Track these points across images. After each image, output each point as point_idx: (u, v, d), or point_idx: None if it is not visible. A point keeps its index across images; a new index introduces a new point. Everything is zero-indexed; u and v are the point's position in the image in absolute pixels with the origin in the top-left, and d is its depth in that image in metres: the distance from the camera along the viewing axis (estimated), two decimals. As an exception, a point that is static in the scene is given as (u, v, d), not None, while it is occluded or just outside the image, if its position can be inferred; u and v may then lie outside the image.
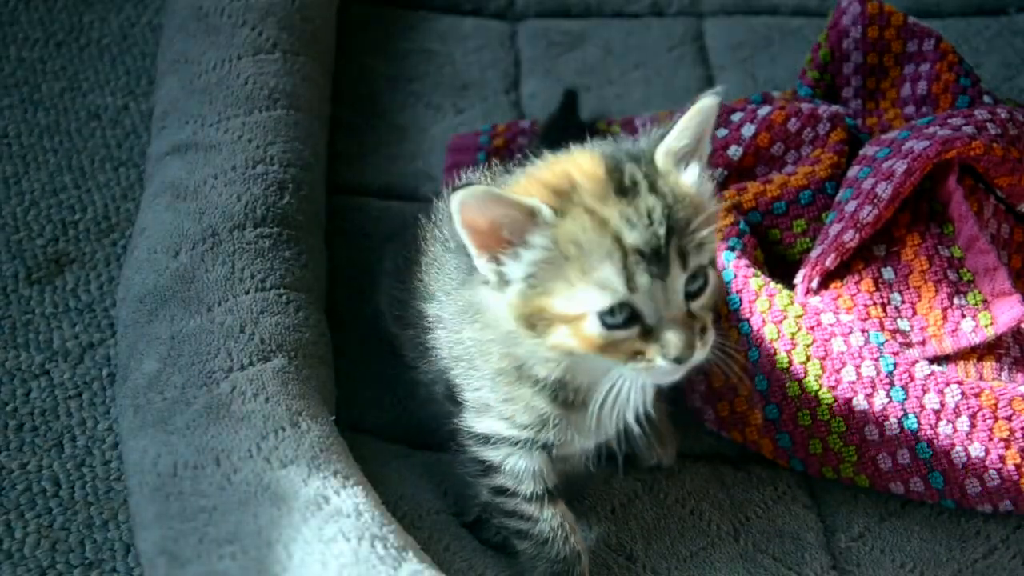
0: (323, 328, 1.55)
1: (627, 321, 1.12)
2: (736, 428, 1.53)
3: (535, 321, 1.14)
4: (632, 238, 1.09)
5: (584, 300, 1.11)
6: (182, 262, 1.50)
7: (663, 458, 1.52)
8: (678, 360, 1.13)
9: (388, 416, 1.58)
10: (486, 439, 1.33)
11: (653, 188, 1.12)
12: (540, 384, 1.24)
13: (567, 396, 1.25)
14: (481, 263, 1.15)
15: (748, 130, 1.68)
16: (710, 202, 1.17)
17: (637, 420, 1.28)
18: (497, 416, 1.30)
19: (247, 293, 1.48)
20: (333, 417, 1.42)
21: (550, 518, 1.35)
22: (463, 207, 1.10)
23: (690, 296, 1.14)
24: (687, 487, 1.52)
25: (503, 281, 1.15)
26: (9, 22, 2.08)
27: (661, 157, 1.15)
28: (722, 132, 1.68)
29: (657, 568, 1.42)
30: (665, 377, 1.17)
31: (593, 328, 1.12)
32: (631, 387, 1.19)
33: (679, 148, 1.16)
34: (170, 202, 1.57)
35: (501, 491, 1.35)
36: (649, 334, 1.13)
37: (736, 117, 1.70)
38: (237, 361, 1.40)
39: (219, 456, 1.30)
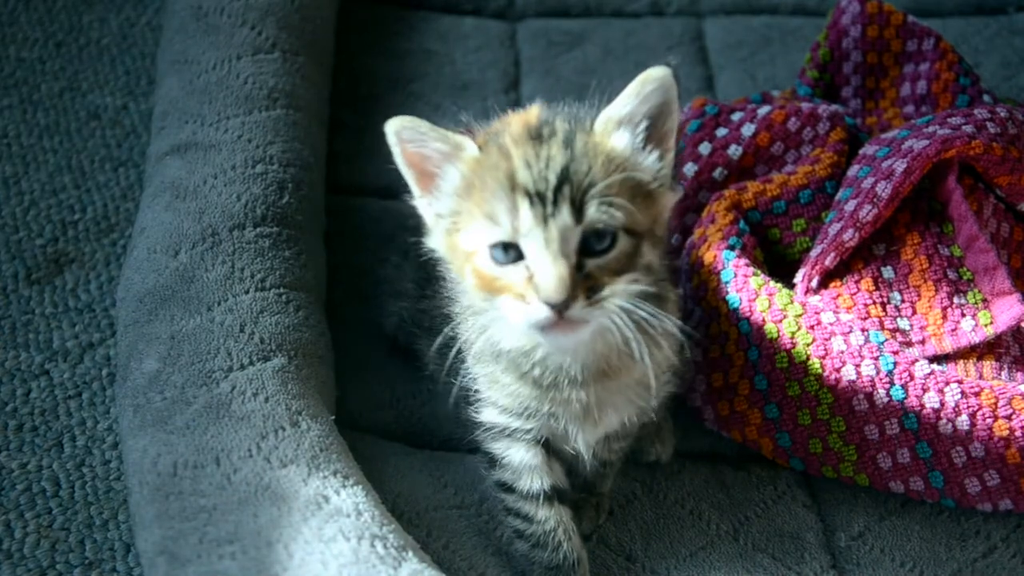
0: (323, 327, 1.55)
1: (513, 259, 1.15)
2: (736, 427, 1.53)
3: (453, 259, 1.21)
4: (523, 177, 1.14)
5: (479, 233, 1.16)
6: (182, 262, 1.49)
7: (661, 455, 1.52)
8: (549, 303, 1.12)
9: (388, 415, 1.58)
10: (487, 429, 1.34)
11: (567, 142, 1.16)
12: (508, 359, 1.26)
13: (534, 373, 1.26)
14: (420, 203, 1.23)
15: (748, 129, 1.68)
16: (642, 171, 1.18)
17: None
18: (488, 403, 1.32)
19: (247, 293, 1.48)
20: (333, 416, 1.42)
21: (544, 520, 1.35)
22: (399, 137, 1.19)
23: (589, 253, 1.14)
24: (687, 487, 1.52)
25: (437, 218, 1.22)
26: (8, 22, 2.08)
27: (600, 121, 1.19)
28: (722, 131, 1.69)
29: (656, 568, 1.42)
30: (551, 330, 1.15)
31: (483, 261, 1.17)
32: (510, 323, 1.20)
33: (620, 115, 1.18)
34: (170, 202, 1.57)
35: (502, 486, 1.37)
36: (531, 278, 1.14)
37: (736, 116, 1.70)
38: (237, 361, 1.40)
39: (219, 456, 1.30)
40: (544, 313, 1.13)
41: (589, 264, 1.14)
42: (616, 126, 1.18)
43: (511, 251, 1.14)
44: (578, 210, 1.12)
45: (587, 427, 1.31)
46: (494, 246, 1.15)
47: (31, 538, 1.43)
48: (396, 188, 1.87)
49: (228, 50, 1.77)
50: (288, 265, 1.54)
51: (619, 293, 1.14)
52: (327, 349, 1.54)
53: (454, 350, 1.28)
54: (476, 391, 1.32)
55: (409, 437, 1.57)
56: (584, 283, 1.13)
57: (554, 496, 1.36)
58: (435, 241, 1.23)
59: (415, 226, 1.53)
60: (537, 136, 1.16)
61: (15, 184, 1.84)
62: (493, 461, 1.36)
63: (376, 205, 1.84)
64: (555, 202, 1.12)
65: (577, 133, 1.16)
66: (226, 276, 1.49)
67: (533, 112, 1.21)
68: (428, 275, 1.43)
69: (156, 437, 1.34)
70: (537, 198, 1.12)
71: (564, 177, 1.13)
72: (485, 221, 1.14)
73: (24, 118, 1.94)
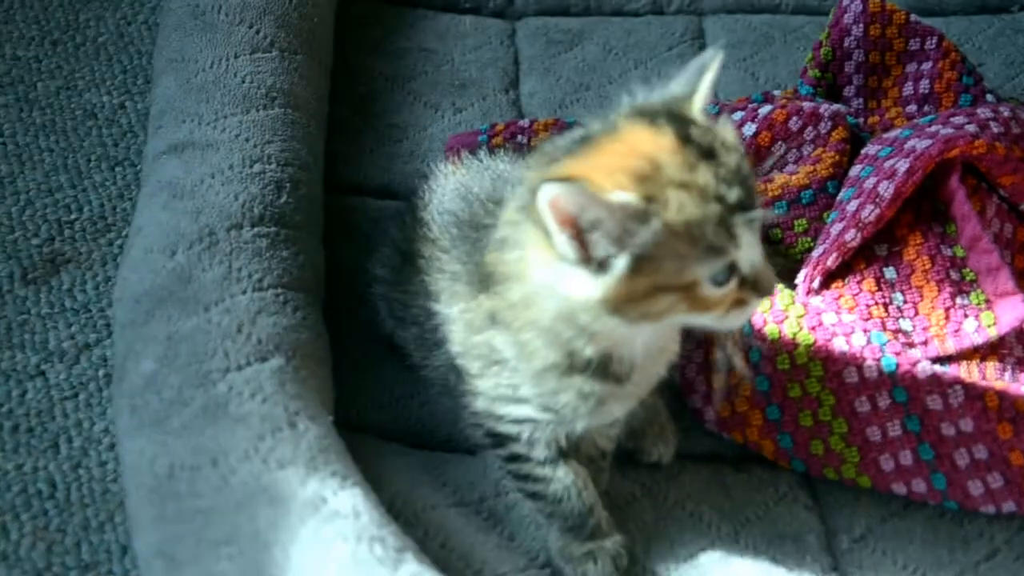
0: (321, 328, 1.54)
1: (730, 275, 1.14)
2: (737, 429, 1.52)
3: (634, 300, 1.13)
4: (734, 195, 1.10)
5: (696, 269, 1.12)
6: (179, 262, 1.49)
7: (663, 455, 1.51)
8: (771, 292, 1.17)
9: (386, 415, 1.58)
10: (511, 420, 1.33)
11: (725, 145, 1.13)
12: (592, 366, 1.24)
13: (615, 368, 1.25)
14: (561, 240, 1.11)
15: (749, 129, 1.68)
16: None
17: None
18: (536, 407, 1.30)
19: (244, 293, 1.47)
20: (331, 417, 1.41)
21: (563, 476, 1.36)
22: (554, 205, 1.08)
23: None
24: (687, 488, 1.51)
25: (599, 266, 1.12)
26: (4, 20, 2.08)
27: (699, 115, 1.16)
28: (723, 131, 1.68)
29: (656, 570, 1.41)
30: (750, 317, 1.23)
31: (708, 291, 1.13)
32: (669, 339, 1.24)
33: (705, 106, 1.17)
34: (167, 201, 1.56)
35: (515, 458, 1.37)
36: (744, 280, 1.15)
37: (737, 116, 1.70)
38: (234, 361, 1.39)
39: (216, 457, 1.30)
40: (758, 305, 1.19)
41: None
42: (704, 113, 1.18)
43: (727, 267, 1.13)
44: (757, 201, 1.14)
45: (625, 402, 1.32)
46: (718, 273, 1.12)
47: (27, 540, 1.43)
48: (395, 187, 1.89)
49: (225, 48, 1.77)
50: (286, 265, 1.54)
51: None
52: (325, 349, 1.53)
53: (457, 354, 1.28)
54: (520, 397, 1.29)
55: (407, 437, 1.56)
56: None
57: (568, 451, 1.38)
58: (587, 283, 1.13)
59: (401, 214, 1.53)
60: (705, 153, 1.11)
61: (11, 183, 1.83)
62: (504, 439, 1.36)
63: (374, 204, 1.83)
64: (753, 205, 1.12)
65: (717, 135, 1.14)
66: (223, 276, 1.48)
67: (658, 135, 1.13)
68: (403, 263, 1.42)
69: (153, 438, 1.33)
70: (742, 209, 1.11)
71: (750, 178, 1.12)
72: (705, 255, 1.11)
73: (20, 117, 1.93)
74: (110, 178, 1.86)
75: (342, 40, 2.05)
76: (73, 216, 1.80)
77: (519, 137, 1.85)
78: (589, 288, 1.13)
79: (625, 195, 1.08)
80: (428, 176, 1.48)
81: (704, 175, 1.10)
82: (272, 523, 1.23)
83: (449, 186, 1.41)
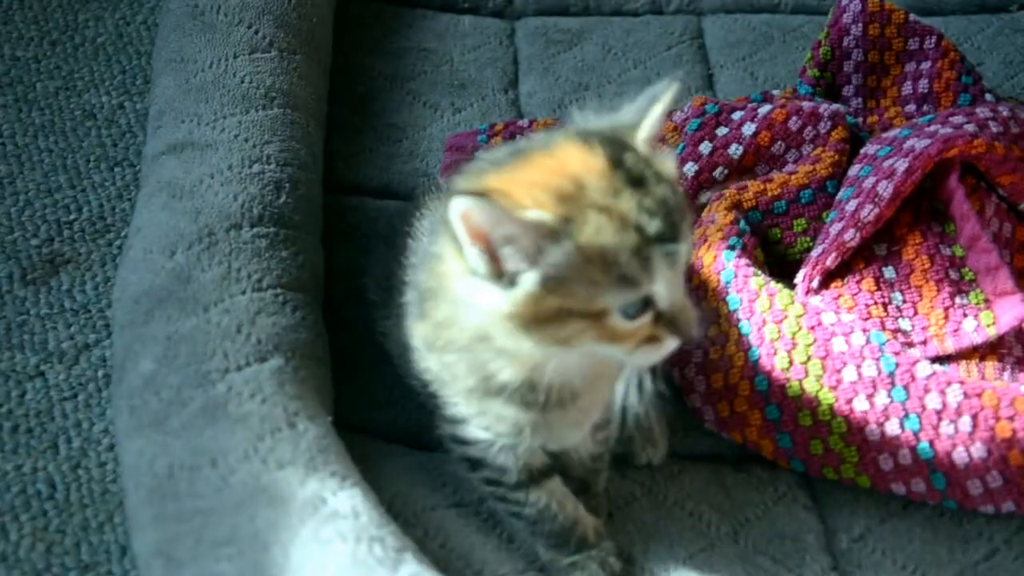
0: (320, 328, 1.54)
1: (643, 308, 1.11)
2: (736, 428, 1.53)
3: (541, 320, 1.11)
4: (655, 227, 1.07)
5: (607, 297, 1.09)
6: (178, 262, 1.49)
7: (653, 457, 1.51)
8: (688, 337, 1.12)
9: (386, 416, 1.58)
10: (468, 443, 1.33)
11: (657, 175, 1.10)
12: (508, 391, 1.22)
13: (538, 398, 1.23)
14: (472, 253, 1.10)
15: (748, 129, 1.68)
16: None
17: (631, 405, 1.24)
18: (475, 426, 1.30)
19: (244, 293, 1.47)
20: (330, 418, 1.41)
21: (536, 501, 1.36)
22: (465, 218, 1.07)
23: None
24: (686, 488, 1.51)
25: (508, 281, 1.10)
26: (3, 20, 2.08)
27: (642, 144, 1.14)
28: (723, 131, 1.68)
29: (655, 570, 1.41)
30: (666, 354, 1.16)
31: (617, 322, 1.10)
32: (630, 374, 1.17)
33: (652, 136, 1.15)
34: (166, 202, 1.56)
35: (490, 482, 1.37)
36: (660, 317, 1.12)
37: (736, 116, 1.70)
38: (234, 362, 1.40)
39: (215, 457, 1.30)
40: (674, 347, 1.13)
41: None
42: (651, 144, 1.14)
43: (641, 300, 1.10)
44: (685, 238, 1.11)
45: (574, 429, 1.32)
46: (630, 304, 1.10)
47: (26, 541, 1.43)
48: (394, 187, 1.89)
49: (225, 49, 1.77)
50: (285, 265, 1.54)
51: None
52: (324, 350, 1.53)
53: (426, 383, 1.29)
54: (463, 417, 1.30)
55: (407, 438, 1.56)
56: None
57: (544, 474, 1.37)
58: (496, 297, 1.11)
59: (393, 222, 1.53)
60: (634, 181, 1.09)
61: (10, 184, 1.83)
62: (476, 463, 1.36)
63: (374, 204, 1.83)
64: (676, 240, 1.09)
65: (652, 165, 1.11)
66: (223, 276, 1.48)
67: (589, 155, 1.11)
68: (387, 276, 1.41)
69: (152, 439, 1.33)
70: (667, 243, 1.08)
71: (677, 213, 1.09)
72: (617, 285, 1.08)
73: (19, 117, 1.93)
74: (109, 178, 1.86)
75: (341, 40, 2.05)
76: (72, 216, 1.80)
77: (518, 137, 1.85)
78: (498, 301, 1.10)
79: (539, 213, 1.06)
80: (424, 194, 1.46)
81: (627, 202, 1.07)
82: (271, 523, 1.23)
83: (430, 218, 1.38)
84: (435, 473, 1.50)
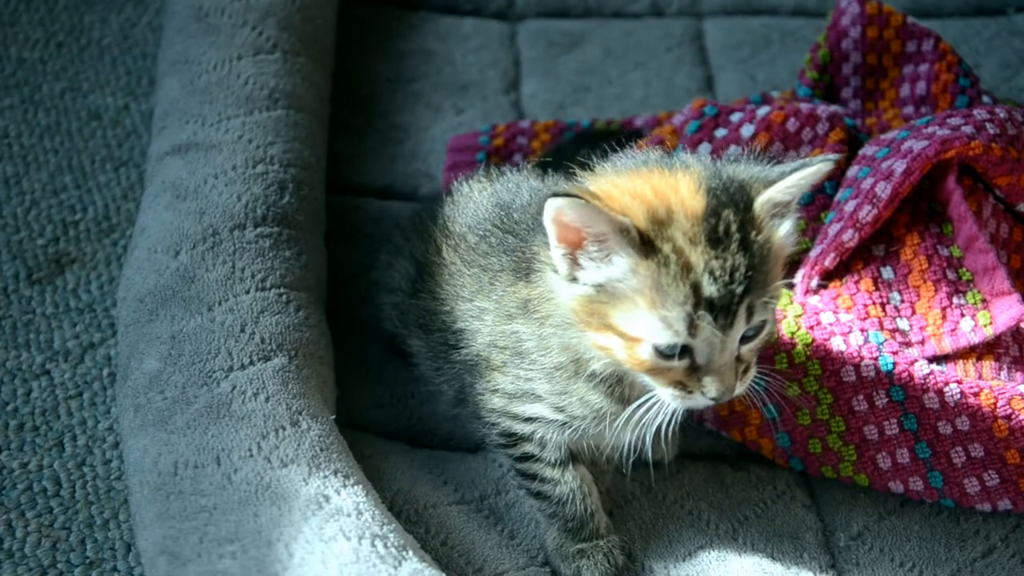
0: (323, 327, 1.55)
1: (679, 355, 1.15)
2: (735, 427, 1.53)
3: (591, 319, 1.17)
4: (710, 291, 1.12)
5: (646, 328, 1.14)
6: (182, 262, 1.50)
7: (666, 454, 1.52)
8: (716, 400, 1.17)
9: (387, 414, 1.58)
10: (525, 419, 1.34)
11: (744, 243, 1.13)
12: (597, 379, 1.26)
13: (623, 392, 1.28)
14: (557, 254, 1.17)
15: (747, 130, 1.68)
16: (786, 253, 1.20)
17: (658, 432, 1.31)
18: (548, 405, 1.31)
19: (247, 293, 1.48)
20: (333, 416, 1.42)
21: (571, 480, 1.39)
22: (558, 213, 1.12)
23: (744, 340, 1.17)
24: (686, 487, 1.52)
25: (572, 277, 1.17)
26: (10, 23, 2.08)
27: (761, 206, 1.16)
28: (721, 132, 1.69)
29: (655, 568, 1.42)
30: (698, 407, 1.22)
31: (645, 353, 1.15)
32: (665, 406, 1.22)
33: (780, 201, 1.17)
34: (170, 202, 1.57)
35: (526, 457, 1.38)
36: (696, 370, 1.17)
37: (735, 117, 1.70)
38: (237, 360, 1.40)
39: (219, 455, 1.30)
40: (705, 404, 1.18)
41: (743, 350, 1.18)
42: (772, 209, 1.17)
43: (678, 348, 1.14)
44: (750, 312, 1.14)
45: (634, 428, 1.34)
46: (666, 346, 1.14)
47: (32, 537, 1.44)
48: (396, 188, 1.90)
49: (229, 50, 1.78)
50: (288, 265, 1.55)
51: (754, 366, 1.20)
52: (327, 349, 1.54)
53: (483, 348, 1.31)
54: (535, 394, 1.31)
55: (409, 436, 1.57)
56: (738, 366, 1.18)
57: (577, 456, 1.40)
58: (565, 290, 1.19)
59: (406, 226, 1.55)
60: (715, 239, 1.12)
61: (16, 184, 1.84)
62: (517, 438, 1.37)
63: (376, 205, 1.84)
64: (735, 312, 1.12)
65: (750, 229, 1.14)
66: (227, 276, 1.49)
67: (694, 191, 1.14)
68: (420, 273, 1.44)
69: (157, 437, 1.34)
70: (721, 311, 1.12)
71: (748, 288, 1.12)
72: (659, 323, 1.13)
73: (25, 118, 1.94)
74: (114, 179, 1.86)
75: (344, 42, 2.06)
76: (77, 216, 1.81)
77: (519, 138, 1.86)
78: (564, 292, 1.18)
79: (627, 219, 1.11)
80: (449, 190, 1.49)
81: (698, 255, 1.12)
82: (275, 521, 1.24)
83: (483, 198, 1.43)
84: (437, 471, 1.50)
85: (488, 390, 1.35)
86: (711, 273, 1.12)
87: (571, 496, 1.39)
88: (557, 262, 1.18)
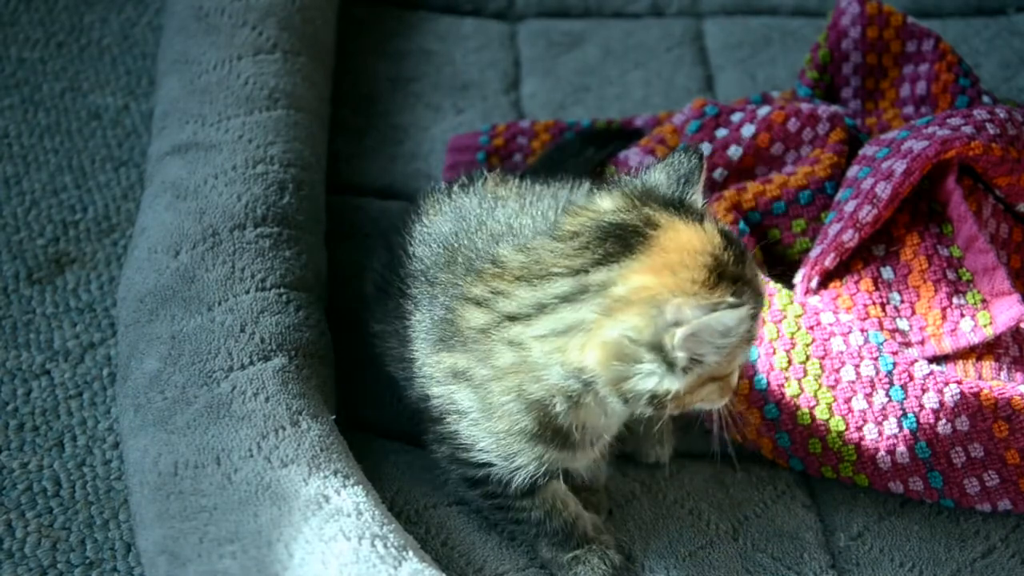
0: (323, 327, 1.55)
1: None
2: (735, 427, 1.53)
3: (693, 390, 1.20)
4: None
5: (742, 356, 1.23)
6: (182, 262, 1.50)
7: (661, 456, 1.52)
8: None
9: (387, 414, 1.58)
10: (478, 464, 1.33)
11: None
12: (559, 435, 1.27)
13: (574, 439, 1.29)
14: (682, 361, 1.16)
15: (748, 130, 1.68)
16: None
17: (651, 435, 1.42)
18: (495, 456, 1.31)
19: (247, 293, 1.48)
20: (333, 416, 1.42)
21: (541, 504, 1.38)
22: (693, 337, 1.14)
23: None
24: (686, 487, 1.52)
25: (681, 372, 1.17)
26: (10, 23, 2.08)
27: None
28: (722, 132, 1.69)
29: (655, 567, 1.42)
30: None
31: (735, 378, 1.25)
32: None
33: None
34: (170, 202, 1.57)
35: (491, 495, 1.37)
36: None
37: (736, 117, 1.70)
38: (237, 360, 1.40)
39: (219, 455, 1.30)
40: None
41: None
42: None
43: None
44: None
45: (586, 460, 1.37)
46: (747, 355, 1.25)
47: (32, 537, 1.44)
48: (396, 188, 1.90)
49: (229, 50, 1.78)
50: (288, 265, 1.55)
51: None
52: (327, 349, 1.54)
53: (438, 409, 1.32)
54: (474, 446, 1.31)
55: (409, 436, 1.57)
56: None
57: (545, 477, 1.37)
58: (680, 388, 1.19)
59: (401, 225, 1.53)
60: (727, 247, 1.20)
61: (16, 184, 1.84)
62: (476, 481, 1.36)
63: (376, 205, 1.84)
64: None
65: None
66: (227, 276, 1.49)
67: (692, 233, 1.19)
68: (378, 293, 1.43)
69: (157, 437, 1.34)
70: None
71: None
72: (747, 344, 1.21)
73: (25, 118, 1.94)
74: (114, 179, 1.86)
75: (344, 42, 2.06)
76: (78, 216, 1.81)
77: (519, 138, 1.86)
78: (667, 385, 1.17)
79: (743, 309, 1.14)
80: (417, 205, 1.47)
81: (750, 268, 1.20)
82: (275, 521, 1.24)
83: (423, 226, 1.40)
84: (437, 471, 1.50)
85: (434, 440, 1.36)
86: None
87: (547, 516, 1.38)
88: (679, 361, 1.16)
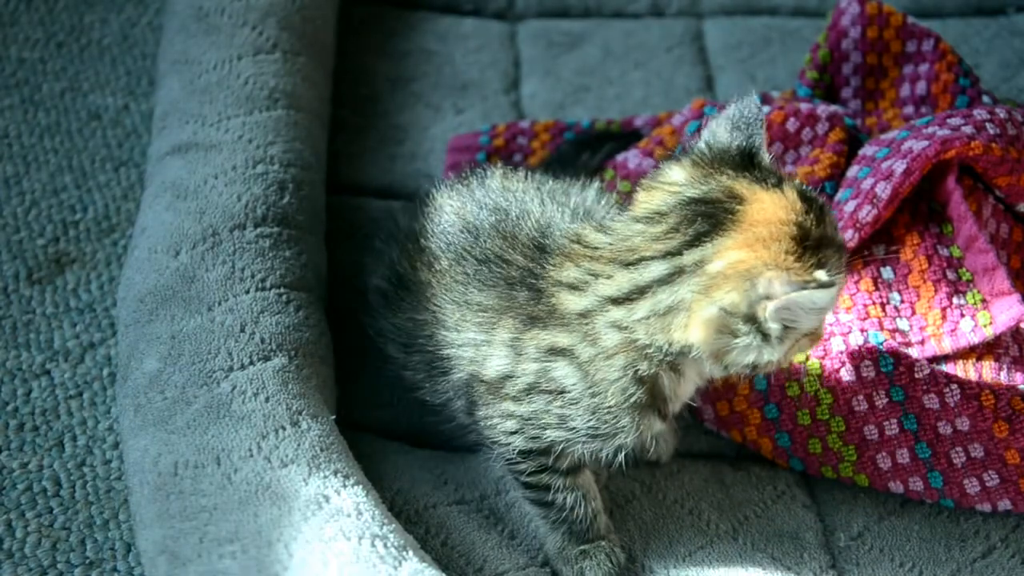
0: (323, 327, 1.55)
1: None
2: (735, 427, 1.53)
3: (789, 352, 1.25)
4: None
5: (830, 311, 1.31)
6: (182, 262, 1.50)
7: (662, 454, 1.53)
8: None
9: (387, 414, 1.58)
10: (544, 439, 1.33)
11: None
12: (664, 405, 1.31)
13: (671, 405, 1.33)
14: (777, 332, 1.20)
15: (747, 130, 1.68)
16: None
17: None
18: (582, 434, 1.31)
19: (247, 292, 1.48)
20: (333, 416, 1.42)
21: (581, 485, 1.39)
22: (787, 308, 1.18)
23: None
24: (686, 487, 1.52)
25: (776, 340, 1.21)
26: (10, 23, 2.09)
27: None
28: (722, 132, 1.69)
29: (655, 567, 1.42)
30: None
31: (826, 325, 1.33)
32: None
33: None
34: (170, 202, 1.57)
35: (539, 470, 1.37)
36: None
37: (736, 117, 1.70)
38: (237, 360, 1.41)
39: (219, 455, 1.31)
40: None
41: None
42: None
43: None
44: None
45: None
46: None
47: (32, 537, 1.44)
48: (396, 188, 1.90)
49: (229, 50, 1.78)
50: (289, 265, 1.55)
51: None
52: (327, 349, 1.54)
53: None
54: (561, 424, 1.31)
55: (409, 436, 1.57)
56: None
57: (581, 462, 1.40)
58: (779, 357, 1.24)
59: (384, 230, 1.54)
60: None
61: (16, 184, 1.84)
62: (536, 454, 1.36)
63: (376, 205, 1.84)
64: None
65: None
66: (227, 276, 1.49)
67: (775, 200, 1.22)
68: (395, 288, 1.43)
69: (157, 437, 1.34)
70: None
71: None
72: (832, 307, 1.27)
73: (25, 118, 1.94)
74: (114, 179, 1.87)
75: (344, 42, 2.06)
76: (78, 216, 1.81)
77: (519, 138, 1.86)
78: (767, 355, 1.22)
79: (826, 276, 1.17)
80: (426, 199, 1.48)
81: (831, 225, 1.24)
82: (275, 521, 1.24)
83: (451, 216, 1.42)
84: (437, 471, 1.51)
85: (498, 415, 1.34)
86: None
87: (578, 501, 1.38)
88: (774, 333, 1.20)
